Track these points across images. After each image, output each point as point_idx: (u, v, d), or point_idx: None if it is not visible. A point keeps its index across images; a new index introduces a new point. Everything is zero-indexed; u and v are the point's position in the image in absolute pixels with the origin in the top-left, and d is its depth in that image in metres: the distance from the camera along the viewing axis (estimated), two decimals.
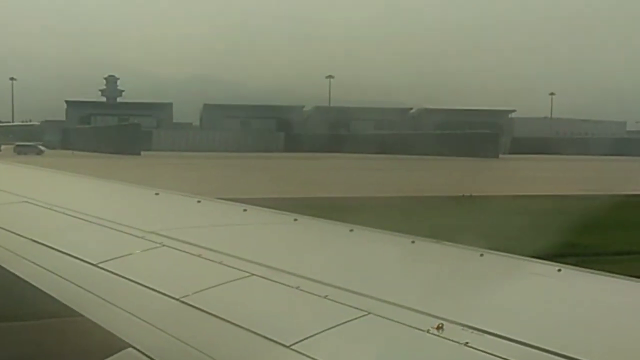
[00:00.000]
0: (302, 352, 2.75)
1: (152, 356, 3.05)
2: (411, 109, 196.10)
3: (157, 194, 6.92)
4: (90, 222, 5.52)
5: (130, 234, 4.93)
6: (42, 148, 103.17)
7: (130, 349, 3.16)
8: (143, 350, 3.11)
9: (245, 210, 5.95)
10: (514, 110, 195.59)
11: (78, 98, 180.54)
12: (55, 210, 6.07)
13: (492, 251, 4.16)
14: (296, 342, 2.82)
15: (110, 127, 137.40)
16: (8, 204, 6.57)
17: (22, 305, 5.81)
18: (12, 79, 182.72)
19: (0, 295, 5.31)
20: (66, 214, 5.88)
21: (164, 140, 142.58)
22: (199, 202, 6.43)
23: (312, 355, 2.71)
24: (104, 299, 3.78)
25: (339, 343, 2.86)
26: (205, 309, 3.34)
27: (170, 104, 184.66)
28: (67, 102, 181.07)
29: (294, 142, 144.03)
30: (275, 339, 2.89)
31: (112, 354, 3.19)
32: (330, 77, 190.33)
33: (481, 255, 4.08)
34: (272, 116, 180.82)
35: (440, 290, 3.53)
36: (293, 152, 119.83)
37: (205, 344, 3.02)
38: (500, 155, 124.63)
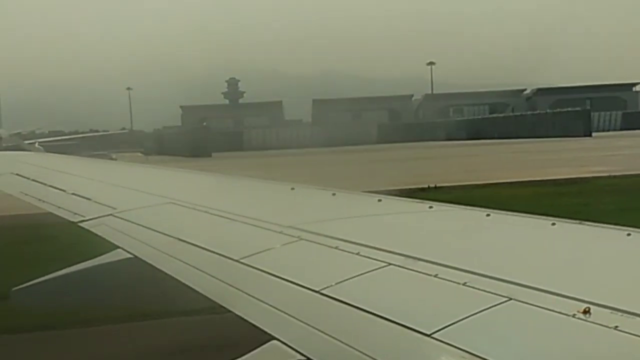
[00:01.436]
0: (444, 340, 2.73)
1: (296, 348, 3.11)
2: (525, 89, 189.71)
3: (292, 188, 7.04)
4: (231, 219, 5.69)
5: (269, 229, 5.03)
6: (114, 156, 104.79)
7: (274, 342, 3.23)
8: (287, 342, 3.18)
9: (380, 200, 5.96)
10: (637, 83, 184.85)
11: (194, 103, 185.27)
12: (198, 210, 6.29)
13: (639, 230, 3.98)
14: (437, 330, 2.80)
15: (183, 130, 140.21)
16: (156, 206, 6.87)
17: (171, 301, 6.06)
18: (128, 88, 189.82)
19: (150, 293, 5.56)
20: (208, 213, 6.08)
21: (255, 140, 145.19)
22: (333, 194, 6.49)
23: (454, 343, 2.68)
24: (247, 294, 3.89)
25: (481, 330, 2.81)
26: (345, 300, 3.37)
27: (280, 102, 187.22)
28: (182, 107, 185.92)
29: (406, 132, 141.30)
30: (416, 327, 2.88)
31: (257, 347, 3.27)
32: (431, 63, 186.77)
33: (628, 234, 3.91)
34: (382, 107, 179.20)
35: (585, 273, 3.40)
36: (409, 142, 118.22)
37: (346, 335, 3.05)
38: (598, 134, 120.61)
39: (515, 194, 31.87)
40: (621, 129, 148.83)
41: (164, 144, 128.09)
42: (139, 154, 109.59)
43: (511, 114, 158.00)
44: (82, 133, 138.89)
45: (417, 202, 5.75)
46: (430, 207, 5.41)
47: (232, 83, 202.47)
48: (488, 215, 4.86)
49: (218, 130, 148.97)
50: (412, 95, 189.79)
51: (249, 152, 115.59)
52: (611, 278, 3.29)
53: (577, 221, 4.38)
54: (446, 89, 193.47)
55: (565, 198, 29.08)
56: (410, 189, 31.49)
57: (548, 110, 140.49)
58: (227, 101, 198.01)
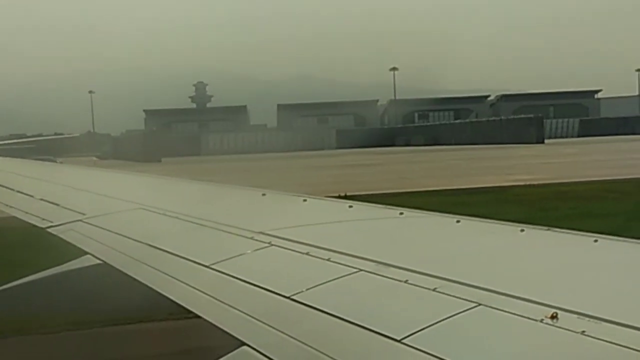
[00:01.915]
0: (413, 345, 2.74)
1: (267, 354, 3.11)
2: (489, 96, 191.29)
3: (263, 194, 7.03)
4: (201, 225, 5.67)
5: (240, 235, 5.03)
6: (59, 160, 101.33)
7: (244, 347, 3.22)
8: (257, 348, 3.17)
9: (350, 206, 5.98)
10: (599, 90, 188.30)
11: (165, 106, 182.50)
12: (168, 215, 6.26)
13: (606, 236, 4.04)
14: (407, 336, 2.81)
15: (133, 135, 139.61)
16: (126, 212, 6.83)
17: (140, 307, 6.02)
18: (90, 92, 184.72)
19: (120, 299, 5.52)
20: (178, 218, 6.06)
21: (212, 144, 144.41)
22: (304, 200, 6.50)
23: (423, 349, 2.70)
24: (218, 299, 3.88)
25: (450, 336, 2.84)
26: (316, 306, 3.38)
27: (244, 107, 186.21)
28: (145, 111, 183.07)
29: (363, 138, 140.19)
30: (386, 333, 2.89)
31: (227, 353, 3.27)
32: (394, 69, 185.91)
33: (595, 241, 3.97)
34: (348, 112, 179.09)
35: (552, 278, 3.45)
36: (366, 148, 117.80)
37: (317, 341, 3.05)
38: (553, 140, 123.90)
39: (421, 202, 31.73)
40: (578, 136, 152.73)
41: (118, 148, 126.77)
42: (94, 158, 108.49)
43: (471, 120, 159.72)
44: (47, 136, 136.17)
45: (388, 208, 5.78)
46: (401, 213, 5.45)
47: (200, 87, 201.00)
48: (458, 221, 4.90)
49: (178, 135, 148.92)
50: (378, 101, 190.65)
51: (204, 157, 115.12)
52: (578, 284, 3.33)
53: (546, 227, 4.43)
54: (419, 95, 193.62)
55: (466, 208, 28.58)
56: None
57: (502, 117, 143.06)
58: (194, 105, 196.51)
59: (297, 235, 4.71)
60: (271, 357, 3.07)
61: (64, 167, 14.44)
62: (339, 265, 3.90)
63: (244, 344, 3.25)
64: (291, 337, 3.17)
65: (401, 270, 3.60)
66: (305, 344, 3.05)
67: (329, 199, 7.29)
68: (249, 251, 4.60)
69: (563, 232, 4.32)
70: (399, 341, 2.80)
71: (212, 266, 4.37)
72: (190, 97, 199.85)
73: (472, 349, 2.73)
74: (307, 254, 4.26)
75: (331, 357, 2.87)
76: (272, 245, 4.62)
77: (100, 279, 5.28)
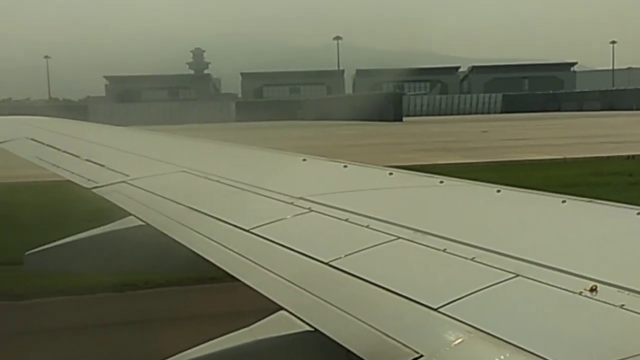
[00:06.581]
0: (450, 314, 2.75)
1: (304, 318, 3.14)
2: (459, 67, 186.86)
3: (304, 160, 7.04)
4: (242, 189, 5.71)
5: (280, 200, 5.06)
6: None
7: (282, 312, 3.26)
8: (295, 313, 3.21)
9: (391, 174, 5.97)
10: (575, 63, 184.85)
11: (122, 73, 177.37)
12: (210, 179, 6.31)
13: None
14: (444, 305, 2.82)
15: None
16: (168, 174, 6.90)
17: (181, 269, 6.10)
18: (46, 57, 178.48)
19: (161, 260, 5.60)
20: (220, 182, 6.11)
21: (102, 115, 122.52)
22: (345, 167, 6.50)
23: (460, 318, 2.70)
24: (257, 264, 3.92)
25: (487, 306, 2.83)
26: (354, 272, 3.39)
27: (208, 75, 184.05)
28: (106, 77, 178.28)
29: (269, 111, 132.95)
30: (422, 301, 2.90)
31: (265, 317, 3.31)
32: (338, 38, 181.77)
33: (638, 214, 3.91)
34: (317, 82, 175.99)
35: (593, 251, 3.41)
36: (267, 121, 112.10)
37: (354, 307, 3.07)
38: (432, 118, 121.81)
39: None
40: (501, 112, 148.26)
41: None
42: None
43: (344, 95, 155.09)
44: None
45: (428, 176, 5.76)
46: (441, 182, 5.42)
47: (197, 53, 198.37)
48: (498, 191, 4.86)
49: (72, 103, 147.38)
50: (343, 71, 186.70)
51: None
52: (619, 257, 3.30)
53: (587, 199, 4.38)
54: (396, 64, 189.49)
55: None
56: None
57: (364, 93, 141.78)
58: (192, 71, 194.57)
59: (336, 202, 4.72)
60: (308, 322, 3.10)
61: (108, 129, 14.62)
62: (378, 233, 3.90)
63: (281, 308, 3.29)
64: (328, 302, 3.19)
65: (440, 239, 3.60)
66: (342, 310, 3.07)
67: (369, 165, 7.28)
68: (288, 216, 4.63)
69: (605, 204, 4.26)
70: (435, 310, 2.81)
71: (252, 230, 4.41)
72: (187, 63, 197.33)
73: (509, 320, 2.72)
74: (346, 220, 4.27)
75: (367, 324, 2.89)
76: (312, 211, 4.64)
77: (143, 240, 5.36)
